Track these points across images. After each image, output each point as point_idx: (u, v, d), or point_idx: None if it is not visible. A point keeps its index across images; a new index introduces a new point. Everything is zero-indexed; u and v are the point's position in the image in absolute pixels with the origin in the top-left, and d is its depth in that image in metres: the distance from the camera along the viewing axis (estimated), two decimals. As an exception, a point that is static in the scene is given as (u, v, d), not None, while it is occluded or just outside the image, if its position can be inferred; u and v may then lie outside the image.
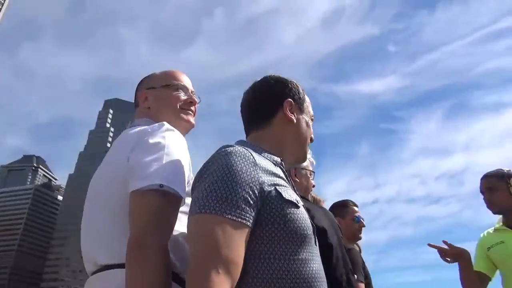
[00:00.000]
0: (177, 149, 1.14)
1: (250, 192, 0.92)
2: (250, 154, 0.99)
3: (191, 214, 0.95)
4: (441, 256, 2.05)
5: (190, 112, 1.41)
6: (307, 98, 1.25)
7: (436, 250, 2.05)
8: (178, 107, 1.37)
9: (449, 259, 2.03)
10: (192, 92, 1.43)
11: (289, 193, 1.00)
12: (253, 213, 0.92)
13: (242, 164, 0.95)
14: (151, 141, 1.12)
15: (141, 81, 1.46)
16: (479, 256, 2.25)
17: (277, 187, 0.98)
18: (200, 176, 0.99)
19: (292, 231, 0.96)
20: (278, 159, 1.11)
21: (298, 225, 0.97)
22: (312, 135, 1.24)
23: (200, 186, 0.96)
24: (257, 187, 0.94)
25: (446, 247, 2.03)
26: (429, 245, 2.05)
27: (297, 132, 1.19)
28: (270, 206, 0.95)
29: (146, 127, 1.19)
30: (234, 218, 0.90)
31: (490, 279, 2.19)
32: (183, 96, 1.39)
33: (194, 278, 0.84)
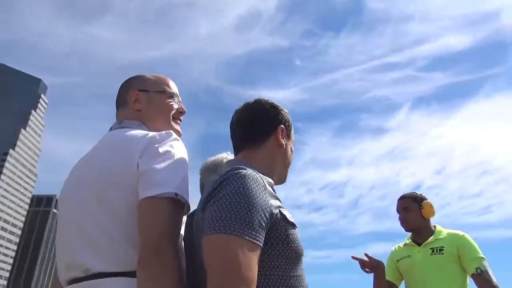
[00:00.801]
0: (184, 159, 1.16)
1: (263, 215, 0.98)
2: (260, 178, 1.05)
3: (211, 231, 0.95)
4: (361, 267, 2.29)
5: (179, 122, 1.41)
6: (292, 125, 1.34)
7: (358, 261, 2.29)
8: (171, 116, 1.37)
9: (367, 270, 2.28)
10: (180, 101, 1.43)
11: (289, 214, 1.08)
12: (264, 234, 0.98)
13: (256, 188, 1.00)
14: (161, 149, 1.12)
15: (130, 79, 1.42)
16: (389, 267, 2.57)
17: (281, 209, 1.05)
18: (214, 195, 1.01)
19: (293, 250, 1.04)
20: (272, 181, 1.17)
21: (297, 244, 1.05)
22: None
23: (216, 205, 0.98)
24: (268, 210, 1.00)
25: (366, 259, 2.26)
26: (353, 257, 2.27)
27: (284, 156, 1.27)
28: (276, 228, 1.02)
29: (154, 133, 1.18)
30: (252, 240, 0.94)
31: (397, 287, 2.53)
32: (175, 105, 1.39)
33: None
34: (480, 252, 2.36)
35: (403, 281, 2.54)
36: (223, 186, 1.01)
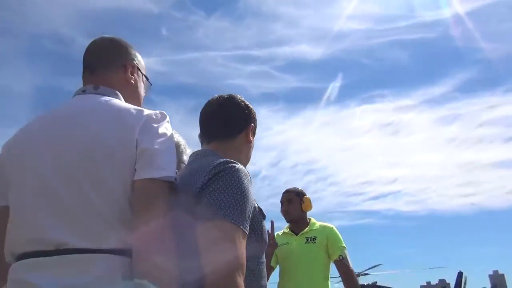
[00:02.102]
0: (174, 143, 1.15)
1: (251, 208, 1.09)
2: (248, 173, 1.15)
3: (214, 216, 1.02)
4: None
5: None
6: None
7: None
8: (141, 103, 1.33)
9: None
10: None
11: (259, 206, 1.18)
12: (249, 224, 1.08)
13: (247, 183, 1.10)
14: (160, 130, 1.09)
15: (127, 46, 1.31)
16: None
17: (255, 201, 1.16)
18: (211, 184, 1.08)
19: (263, 239, 1.17)
20: None
21: (266, 234, 1.20)
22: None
23: (217, 194, 1.05)
24: (253, 203, 1.12)
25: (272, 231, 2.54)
26: (272, 222, 2.55)
27: (248, 152, 1.38)
28: (255, 219, 1.13)
29: (150, 111, 1.12)
30: (244, 229, 1.04)
31: (273, 269, 2.87)
32: (144, 94, 1.37)
33: (227, 280, 0.96)
34: (343, 242, 2.82)
35: (278, 266, 2.88)
36: (220, 177, 1.08)
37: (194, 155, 1.32)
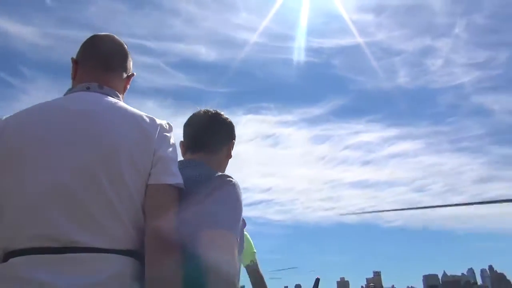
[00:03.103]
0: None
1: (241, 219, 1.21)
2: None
3: (220, 227, 1.11)
4: None
5: None
6: None
7: None
8: None
9: None
10: None
11: None
12: None
13: (241, 197, 1.22)
14: (171, 140, 1.16)
15: (127, 48, 1.32)
16: None
17: None
18: (212, 194, 1.17)
19: (242, 245, 1.27)
20: None
21: (243, 240, 1.31)
22: None
23: (220, 205, 1.15)
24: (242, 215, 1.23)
25: None
26: None
27: (225, 167, 1.48)
28: (241, 228, 1.22)
29: (162, 122, 1.17)
30: (238, 239, 1.16)
31: None
32: None
33: (230, 284, 1.07)
34: (254, 248, 2.71)
35: None
36: (222, 189, 1.19)
37: (186, 163, 1.35)
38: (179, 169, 1.20)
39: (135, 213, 1.04)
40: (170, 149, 1.15)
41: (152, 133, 1.12)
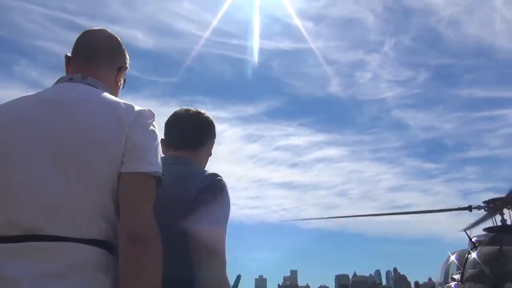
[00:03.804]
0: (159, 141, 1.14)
1: None
2: None
3: (212, 223, 1.20)
4: None
5: None
6: None
7: None
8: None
9: None
10: None
11: None
12: None
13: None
14: (150, 127, 1.10)
15: (123, 46, 1.31)
16: None
17: None
18: (206, 193, 1.26)
19: None
20: None
21: None
22: None
23: (213, 203, 1.23)
24: None
25: None
26: None
27: (205, 164, 1.56)
28: None
29: (140, 108, 1.12)
30: (225, 232, 1.25)
31: None
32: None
33: (223, 276, 1.18)
34: None
35: None
36: (213, 187, 1.28)
37: (172, 159, 1.42)
38: (165, 164, 1.17)
39: (104, 203, 1.00)
40: (147, 136, 1.08)
41: (126, 120, 1.06)
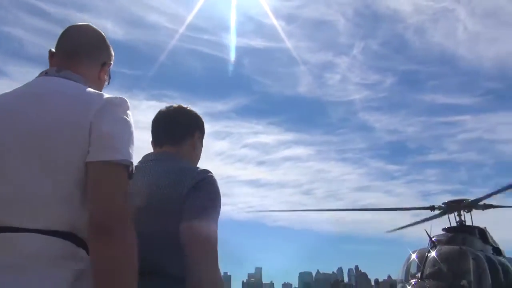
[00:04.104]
0: (132, 129, 1.08)
1: None
2: None
3: (207, 219, 1.20)
4: None
5: None
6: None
7: None
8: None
9: None
10: None
11: None
12: None
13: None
14: (118, 114, 1.05)
15: (108, 42, 1.30)
16: None
17: None
18: (198, 189, 1.25)
19: None
20: None
21: None
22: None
23: (205, 199, 1.24)
24: None
25: None
26: None
27: (195, 157, 1.52)
28: None
29: (110, 96, 1.09)
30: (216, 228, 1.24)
31: None
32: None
33: (216, 271, 1.18)
34: None
35: None
36: (206, 183, 1.28)
37: (158, 155, 1.44)
38: (150, 161, 1.24)
39: (69, 193, 0.97)
40: (115, 124, 1.04)
41: (91, 109, 1.03)
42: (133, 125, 1.08)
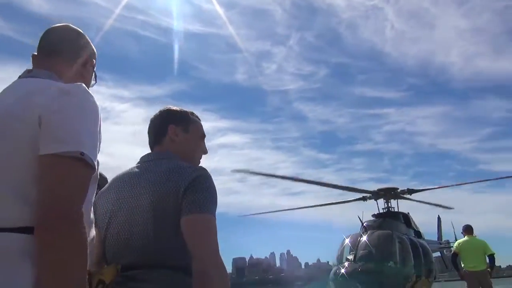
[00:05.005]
0: (95, 115, 1.02)
1: None
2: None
3: (204, 211, 1.25)
4: None
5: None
6: (195, 121, 1.58)
7: None
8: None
9: None
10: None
11: None
12: None
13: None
14: (70, 102, 0.99)
15: (88, 39, 1.30)
16: None
17: None
18: (196, 185, 1.29)
19: None
20: None
21: None
22: (205, 149, 1.59)
23: (203, 193, 1.28)
24: None
25: None
26: None
27: (181, 148, 1.50)
28: None
29: (62, 84, 1.06)
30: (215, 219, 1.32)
31: None
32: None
33: (218, 258, 1.23)
34: None
35: None
36: (203, 178, 1.32)
37: (147, 156, 1.50)
38: (150, 160, 1.43)
39: (21, 189, 0.94)
40: (62, 113, 0.97)
41: (37, 100, 0.99)
42: (92, 113, 1.02)
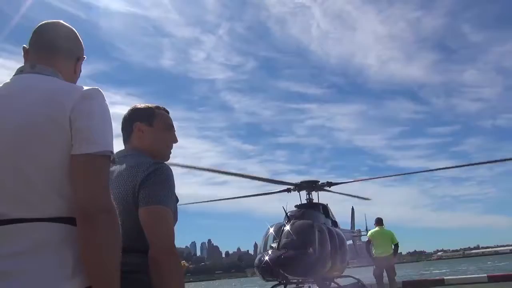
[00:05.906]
0: (110, 117, 1.17)
1: (174, 196, 1.50)
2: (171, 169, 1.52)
3: (157, 203, 1.38)
4: None
5: None
6: (159, 114, 1.74)
7: None
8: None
9: None
10: None
11: None
12: None
13: (173, 178, 1.50)
14: (94, 107, 1.12)
15: (76, 33, 1.36)
16: None
17: None
18: (152, 177, 1.43)
19: (176, 217, 1.50)
20: None
21: (177, 213, 1.54)
22: (174, 138, 1.77)
23: (158, 186, 1.42)
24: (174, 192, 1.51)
25: None
26: None
27: (149, 144, 1.65)
28: (175, 203, 1.52)
29: (84, 88, 1.15)
30: (171, 210, 1.42)
31: None
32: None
33: (173, 249, 1.36)
34: None
35: None
36: (159, 172, 1.46)
37: (124, 152, 1.65)
38: (121, 157, 1.54)
39: (57, 185, 1.06)
40: (92, 116, 1.11)
41: (67, 104, 1.10)
42: (109, 114, 1.16)
